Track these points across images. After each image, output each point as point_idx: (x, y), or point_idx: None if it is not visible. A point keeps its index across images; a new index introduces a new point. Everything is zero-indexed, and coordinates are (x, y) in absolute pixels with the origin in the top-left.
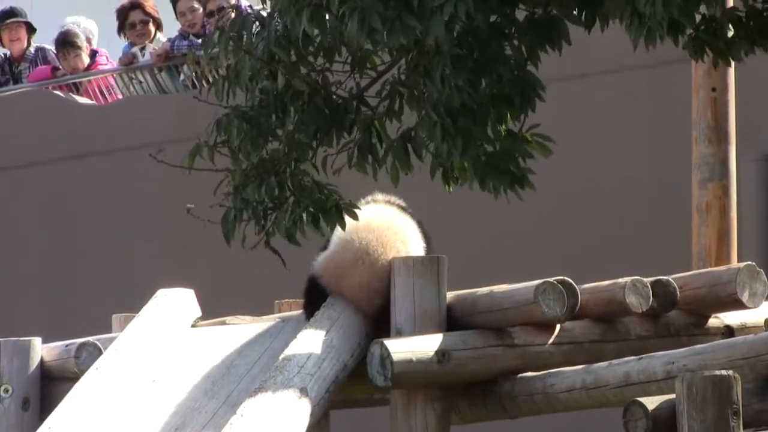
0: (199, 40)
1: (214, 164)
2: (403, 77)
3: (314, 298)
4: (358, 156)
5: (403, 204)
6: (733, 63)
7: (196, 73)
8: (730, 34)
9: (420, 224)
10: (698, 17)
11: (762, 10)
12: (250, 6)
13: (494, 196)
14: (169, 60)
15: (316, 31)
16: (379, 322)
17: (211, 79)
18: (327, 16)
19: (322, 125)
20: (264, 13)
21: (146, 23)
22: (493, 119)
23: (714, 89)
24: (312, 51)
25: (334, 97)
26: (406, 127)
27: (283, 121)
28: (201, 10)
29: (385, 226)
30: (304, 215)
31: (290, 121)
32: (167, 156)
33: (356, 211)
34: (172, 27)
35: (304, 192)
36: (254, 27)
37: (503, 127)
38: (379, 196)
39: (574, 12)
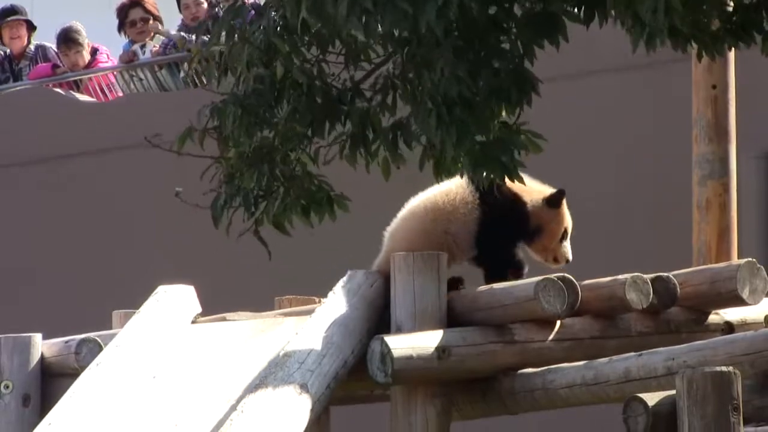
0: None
1: (203, 149)
2: (397, 71)
3: None
4: (350, 147)
5: None
6: (731, 61)
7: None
8: (716, 27)
9: None
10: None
11: (749, 5)
12: None
13: (484, 185)
14: (168, 56)
15: (314, 22)
16: None
17: (201, 67)
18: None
19: (317, 116)
20: (261, 2)
21: (146, 21)
22: (489, 112)
23: (714, 87)
24: (306, 41)
25: (330, 88)
26: (398, 117)
27: (277, 110)
28: (205, 4)
29: None
30: (294, 205)
31: (283, 110)
32: (172, 155)
33: (347, 202)
34: (172, 24)
35: (295, 182)
36: (249, 16)
37: (497, 121)
38: None
39: (573, 8)
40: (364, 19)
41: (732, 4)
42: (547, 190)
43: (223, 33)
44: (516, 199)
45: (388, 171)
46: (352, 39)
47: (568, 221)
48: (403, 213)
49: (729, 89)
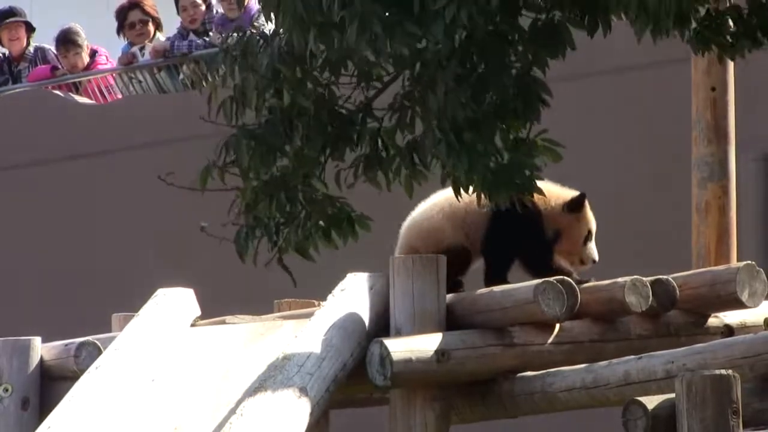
0: (200, 40)
1: (224, 184)
2: (408, 89)
3: None
4: (365, 168)
5: None
6: (732, 62)
7: (197, 85)
8: (733, 29)
9: None
10: (702, 11)
11: (765, 5)
12: (252, 25)
13: (500, 206)
14: (168, 59)
15: (322, 47)
16: None
17: (215, 99)
18: (335, 32)
19: (329, 140)
20: (267, 31)
21: (146, 23)
22: (499, 130)
23: (714, 89)
24: (318, 66)
25: (340, 110)
26: (413, 136)
27: (291, 137)
28: (203, 6)
29: None
30: (314, 230)
31: (298, 137)
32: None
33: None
34: (171, 27)
35: (315, 206)
36: (258, 45)
37: (510, 137)
38: None
39: (577, 17)
40: (373, 41)
41: (747, 7)
42: (568, 194)
43: (236, 68)
44: (527, 206)
45: (411, 188)
46: (363, 61)
47: (590, 223)
48: (422, 206)
49: (728, 91)
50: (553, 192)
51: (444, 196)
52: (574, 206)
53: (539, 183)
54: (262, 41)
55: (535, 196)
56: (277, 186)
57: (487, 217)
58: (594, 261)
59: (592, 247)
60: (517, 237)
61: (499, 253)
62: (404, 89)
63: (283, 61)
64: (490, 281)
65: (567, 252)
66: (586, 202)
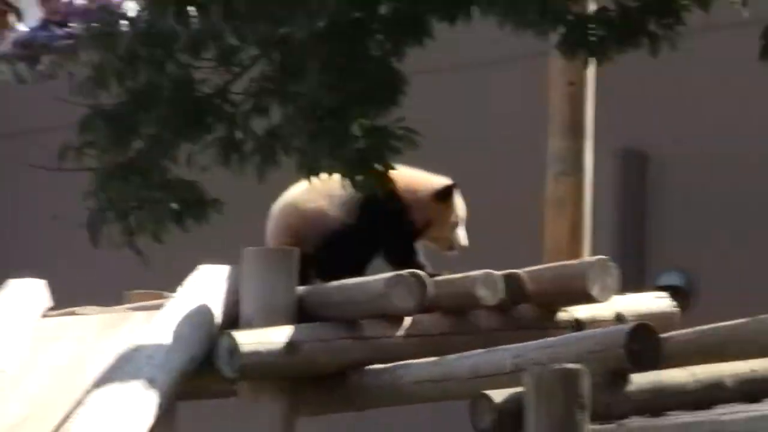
0: (60, 31)
1: (81, 165)
2: (269, 74)
3: None
4: (222, 153)
5: None
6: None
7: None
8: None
9: None
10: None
11: (631, 10)
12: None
13: (360, 191)
14: (27, 49)
15: (181, 28)
16: None
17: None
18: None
19: (186, 122)
20: (131, 13)
21: (4, 13)
22: (358, 117)
23: (572, 83)
24: (179, 48)
25: (198, 94)
26: (274, 124)
27: (147, 118)
28: None
29: None
30: (167, 213)
31: (153, 118)
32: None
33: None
34: (32, 17)
35: (169, 189)
36: (120, 26)
37: (368, 124)
38: None
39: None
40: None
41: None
42: (438, 183)
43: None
44: (396, 196)
45: (263, 176)
46: (225, 44)
47: (460, 210)
48: (298, 188)
49: (586, 86)
50: (423, 180)
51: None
52: (443, 196)
53: (410, 171)
54: (122, 21)
55: (405, 185)
56: (131, 168)
57: (358, 204)
58: (462, 247)
59: (462, 234)
60: (384, 225)
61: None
62: (263, 75)
63: (142, 42)
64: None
65: (436, 238)
66: (457, 191)
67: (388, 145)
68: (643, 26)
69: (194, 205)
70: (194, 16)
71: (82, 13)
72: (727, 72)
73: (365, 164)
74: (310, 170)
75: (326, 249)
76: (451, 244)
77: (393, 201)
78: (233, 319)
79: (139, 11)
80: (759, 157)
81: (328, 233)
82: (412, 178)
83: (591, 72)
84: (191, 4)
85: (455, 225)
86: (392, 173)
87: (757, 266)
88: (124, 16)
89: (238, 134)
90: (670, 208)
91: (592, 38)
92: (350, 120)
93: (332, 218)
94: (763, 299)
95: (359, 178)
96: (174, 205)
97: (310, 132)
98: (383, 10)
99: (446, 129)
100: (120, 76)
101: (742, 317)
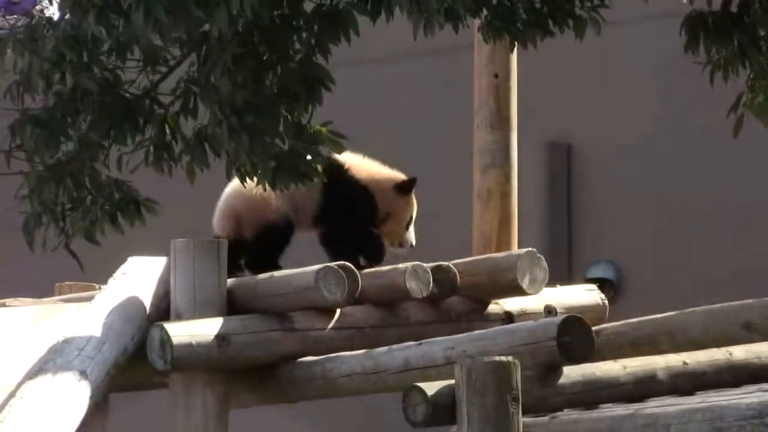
0: None
1: (9, 169)
2: (195, 74)
3: None
4: (153, 154)
5: None
6: (515, 49)
7: None
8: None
9: None
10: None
11: None
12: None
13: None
14: None
15: (104, 32)
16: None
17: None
18: (116, 15)
19: (115, 124)
20: (52, 15)
21: None
22: (282, 114)
23: (496, 75)
24: (104, 51)
25: (126, 95)
26: (202, 124)
27: (75, 121)
28: None
29: None
30: (101, 214)
31: (82, 121)
32: None
33: (155, 206)
34: None
35: (101, 190)
36: (45, 30)
37: (291, 122)
38: None
39: (360, 3)
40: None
41: None
42: (398, 176)
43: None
44: (360, 186)
45: (193, 175)
46: (148, 44)
47: (414, 208)
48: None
49: (511, 78)
50: (385, 173)
51: None
52: (405, 188)
53: (371, 162)
54: (47, 25)
55: (367, 176)
56: (62, 170)
57: (319, 194)
58: (412, 245)
59: (412, 232)
60: (349, 216)
61: (337, 233)
62: (189, 74)
63: (67, 45)
64: (334, 252)
65: (388, 233)
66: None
67: (314, 147)
68: (568, 9)
69: (128, 205)
70: (116, 19)
71: (4, 6)
72: (650, 64)
73: (289, 165)
74: (237, 170)
75: (262, 238)
76: (402, 241)
77: (358, 189)
78: (164, 311)
79: (61, 14)
80: (684, 149)
81: (269, 223)
82: (373, 168)
83: (515, 63)
84: (113, 12)
85: (409, 222)
86: (355, 163)
87: (682, 256)
88: (49, 20)
89: (168, 135)
90: (597, 200)
91: (517, 23)
92: (273, 117)
93: (274, 208)
94: (689, 288)
95: (281, 175)
96: (107, 206)
97: (230, 129)
98: (306, 6)
99: (372, 122)
100: (47, 79)
101: (670, 307)
